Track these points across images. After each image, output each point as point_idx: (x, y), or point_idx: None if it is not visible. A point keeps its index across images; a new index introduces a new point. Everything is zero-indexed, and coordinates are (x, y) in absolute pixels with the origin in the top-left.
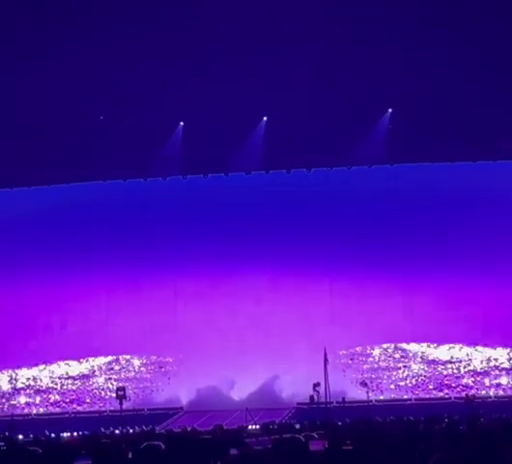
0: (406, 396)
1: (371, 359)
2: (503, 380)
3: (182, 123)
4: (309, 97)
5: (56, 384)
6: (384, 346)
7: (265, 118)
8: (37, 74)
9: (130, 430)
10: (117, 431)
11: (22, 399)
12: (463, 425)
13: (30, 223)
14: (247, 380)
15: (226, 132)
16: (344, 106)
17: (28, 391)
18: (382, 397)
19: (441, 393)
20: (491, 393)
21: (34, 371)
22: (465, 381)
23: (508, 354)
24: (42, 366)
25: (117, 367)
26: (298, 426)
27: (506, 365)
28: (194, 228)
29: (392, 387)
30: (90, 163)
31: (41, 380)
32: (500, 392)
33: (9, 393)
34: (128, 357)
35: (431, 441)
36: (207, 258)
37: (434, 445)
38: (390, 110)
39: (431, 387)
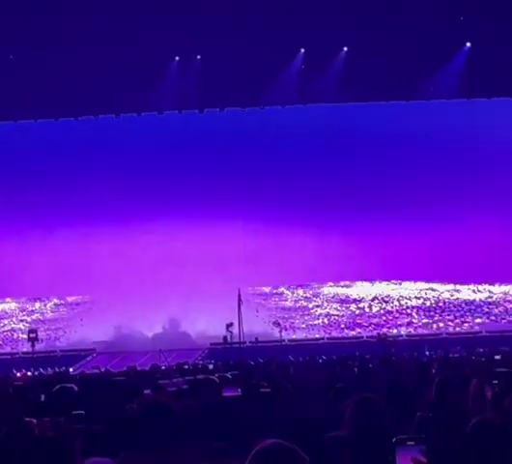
0: (318, 335)
1: (284, 298)
2: (414, 318)
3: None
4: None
5: None
6: (297, 285)
7: (177, 58)
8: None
9: (43, 372)
10: (29, 373)
11: None
12: (373, 363)
13: None
14: (160, 318)
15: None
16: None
17: None
18: (294, 337)
19: (354, 333)
20: (402, 332)
21: None
22: (376, 320)
23: (419, 291)
24: None
25: (29, 309)
26: (211, 367)
27: (415, 303)
28: (113, 165)
29: (304, 326)
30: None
31: None
32: (411, 331)
33: None
34: (40, 298)
35: (348, 381)
36: (119, 194)
37: (349, 384)
38: (303, 50)
39: (343, 326)
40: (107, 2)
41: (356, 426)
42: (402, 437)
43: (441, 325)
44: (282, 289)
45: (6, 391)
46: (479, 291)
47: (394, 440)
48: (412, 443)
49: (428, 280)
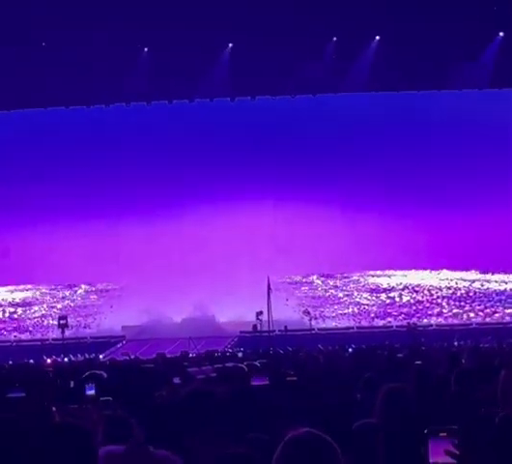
0: (348, 324)
1: (314, 287)
2: (444, 308)
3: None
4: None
5: None
6: (327, 274)
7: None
8: None
9: (73, 359)
10: (59, 359)
11: None
12: (403, 353)
13: None
14: (189, 304)
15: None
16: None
17: None
18: (324, 326)
19: (383, 322)
20: (432, 322)
21: None
22: (406, 310)
23: (450, 281)
24: None
25: (60, 295)
26: (240, 355)
27: (445, 293)
28: (144, 153)
29: (334, 315)
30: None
31: None
32: (441, 321)
33: None
34: (70, 285)
35: (376, 371)
36: (148, 181)
37: (379, 374)
38: (335, 39)
39: (373, 315)
40: None
41: (386, 416)
42: (434, 428)
43: (472, 315)
44: (312, 278)
45: (43, 376)
46: (510, 281)
47: (426, 431)
48: (445, 434)
49: (459, 270)
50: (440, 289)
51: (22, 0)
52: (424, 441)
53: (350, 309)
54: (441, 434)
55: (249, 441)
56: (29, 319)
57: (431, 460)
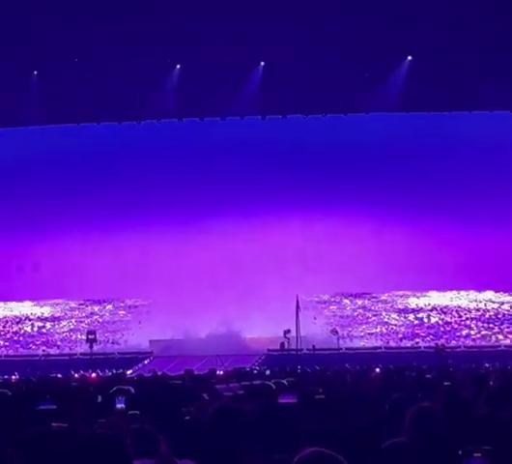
0: (376, 344)
1: (342, 306)
2: (473, 330)
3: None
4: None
5: (27, 325)
6: (356, 294)
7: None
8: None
9: (101, 374)
10: (87, 374)
11: None
12: (431, 374)
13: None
14: (217, 320)
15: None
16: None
17: None
18: (352, 345)
19: (412, 342)
20: (460, 344)
21: (4, 311)
22: (435, 331)
23: (478, 301)
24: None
25: (89, 311)
26: (268, 373)
27: (474, 315)
28: (175, 169)
29: (362, 335)
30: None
31: (11, 321)
32: (469, 342)
33: None
34: (100, 300)
35: (404, 391)
36: (177, 197)
37: (407, 395)
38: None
39: (401, 335)
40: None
41: (415, 436)
42: (468, 448)
43: (500, 337)
44: (340, 297)
45: (71, 390)
46: None
47: (460, 452)
48: (479, 455)
49: (488, 291)
50: (469, 310)
51: (52, 15)
52: (458, 461)
53: (378, 329)
54: (475, 455)
55: (273, 461)
56: (57, 334)
57: None
